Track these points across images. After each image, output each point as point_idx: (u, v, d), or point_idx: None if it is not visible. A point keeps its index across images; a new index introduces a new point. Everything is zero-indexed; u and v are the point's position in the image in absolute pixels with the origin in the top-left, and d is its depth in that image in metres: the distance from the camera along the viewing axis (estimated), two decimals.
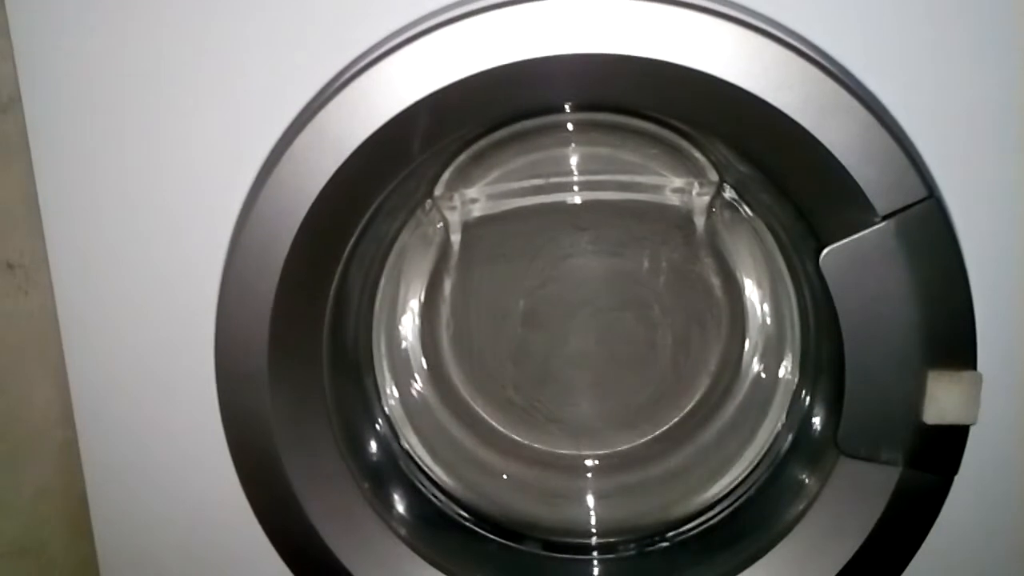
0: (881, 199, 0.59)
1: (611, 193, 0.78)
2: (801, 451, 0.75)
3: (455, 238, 0.79)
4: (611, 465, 0.83)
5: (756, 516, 0.75)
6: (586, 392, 0.83)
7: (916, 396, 0.61)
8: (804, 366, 0.77)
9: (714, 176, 0.77)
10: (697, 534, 0.77)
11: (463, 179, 0.77)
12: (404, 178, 0.63)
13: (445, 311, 0.81)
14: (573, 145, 0.77)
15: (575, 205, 0.78)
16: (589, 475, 0.84)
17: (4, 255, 0.68)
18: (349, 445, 0.70)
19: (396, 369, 0.81)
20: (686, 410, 0.82)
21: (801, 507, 0.68)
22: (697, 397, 0.82)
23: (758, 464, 0.77)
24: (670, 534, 0.78)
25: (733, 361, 0.81)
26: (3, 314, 0.68)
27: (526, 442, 0.83)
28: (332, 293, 0.66)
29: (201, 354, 0.65)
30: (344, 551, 0.68)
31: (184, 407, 0.67)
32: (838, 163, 0.58)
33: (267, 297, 0.62)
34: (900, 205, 0.59)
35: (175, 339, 0.66)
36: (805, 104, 0.57)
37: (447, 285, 0.81)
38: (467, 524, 0.78)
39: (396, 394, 0.80)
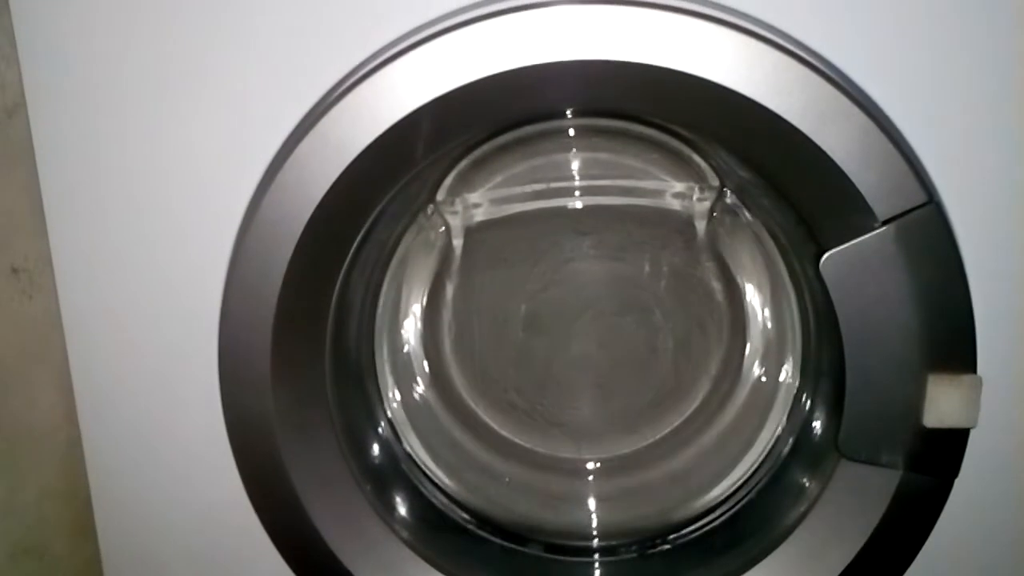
0: (881, 204, 0.59)
1: (612, 198, 0.78)
2: (802, 454, 0.75)
3: (457, 242, 0.79)
4: (612, 468, 0.83)
5: (757, 519, 0.75)
6: (587, 395, 0.83)
7: (916, 399, 0.62)
8: (805, 370, 0.77)
9: (715, 181, 0.77)
10: (698, 537, 0.77)
11: (465, 184, 0.77)
12: (407, 183, 0.64)
13: (447, 315, 0.81)
14: (574, 150, 0.77)
15: (576, 210, 0.79)
16: (590, 478, 0.84)
17: (8, 259, 0.68)
18: (351, 448, 0.70)
19: (398, 372, 0.81)
20: (687, 414, 0.82)
21: (802, 510, 0.68)
22: (698, 401, 0.82)
23: (759, 467, 0.77)
24: (671, 537, 0.78)
25: (734, 365, 0.81)
26: (7, 317, 0.68)
27: (528, 445, 0.83)
28: (335, 297, 0.66)
29: (205, 357, 0.65)
30: (347, 553, 0.68)
31: (187, 410, 0.67)
32: (838, 168, 0.58)
33: (270, 301, 0.63)
34: (900, 210, 0.59)
35: (179, 342, 0.66)
36: (805, 110, 0.57)
37: (449, 289, 0.81)
38: (469, 526, 0.78)
39: (398, 397, 0.80)
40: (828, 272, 0.61)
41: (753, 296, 0.80)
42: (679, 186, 0.78)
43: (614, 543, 0.79)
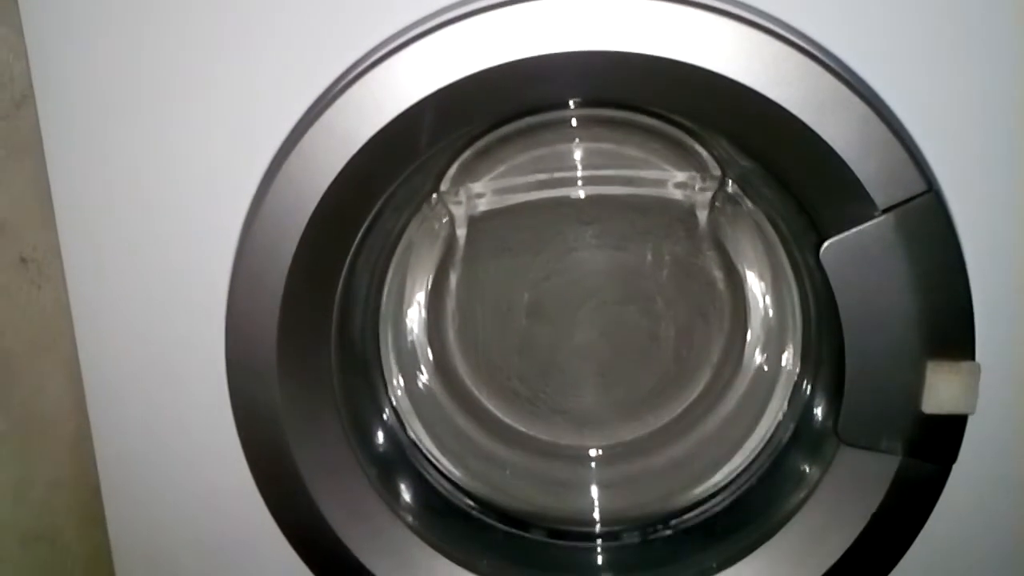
0: (881, 193, 0.59)
1: (615, 188, 0.78)
2: (802, 440, 0.75)
3: (461, 232, 0.79)
4: (615, 455, 0.84)
5: (758, 504, 0.75)
6: (590, 383, 0.83)
7: (915, 386, 0.62)
8: (805, 357, 0.77)
9: (716, 171, 0.77)
10: (699, 522, 0.78)
11: (469, 174, 0.77)
12: (411, 173, 0.64)
13: (451, 304, 0.82)
14: (577, 140, 0.78)
15: (579, 200, 0.79)
16: (593, 465, 0.84)
17: (17, 249, 0.68)
18: (357, 436, 0.71)
19: (403, 361, 0.81)
20: (689, 401, 0.83)
21: (802, 495, 0.69)
22: (700, 388, 0.83)
23: (759, 453, 0.78)
24: (673, 522, 0.78)
25: (735, 352, 0.82)
26: (16, 308, 0.68)
27: (531, 432, 0.83)
28: (340, 287, 0.66)
29: (212, 347, 0.65)
30: (353, 539, 0.68)
31: (195, 399, 0.68)
32: (838, 157, 0.58)
33: (276, 291, 0.63)
34: (899, 199, 0.59)
35: (186, 332, 0.67)
36: (805, 99, 0.58)
37: (453, 278, 0.81)
38: (473, 512, 0.79)
39: (403, 385, 0.81)
40: (828, 260, 0.61)
41: (754, 284, 0.80)
42: (681, 176, 0.78)
43: (616, 528, 0.80)
